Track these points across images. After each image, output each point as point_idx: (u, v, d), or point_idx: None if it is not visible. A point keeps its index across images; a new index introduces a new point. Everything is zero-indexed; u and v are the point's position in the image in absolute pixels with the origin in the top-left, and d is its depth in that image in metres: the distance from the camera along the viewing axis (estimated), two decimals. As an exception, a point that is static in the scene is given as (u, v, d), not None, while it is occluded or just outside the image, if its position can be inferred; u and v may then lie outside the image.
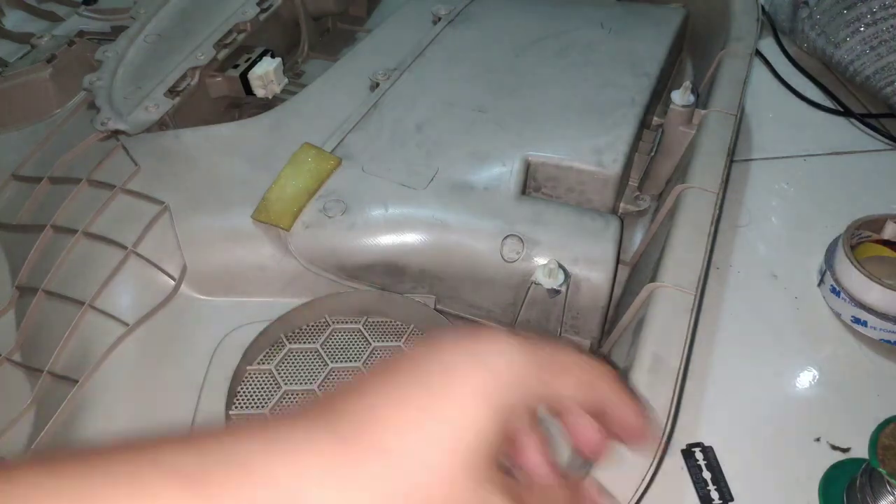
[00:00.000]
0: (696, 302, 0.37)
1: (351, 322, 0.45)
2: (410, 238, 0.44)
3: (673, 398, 0.33)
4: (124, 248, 0.43)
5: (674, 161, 0.52)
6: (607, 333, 0.44)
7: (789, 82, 0.66)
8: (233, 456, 0.19)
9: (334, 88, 0.54)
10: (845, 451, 0.41)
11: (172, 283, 0.43)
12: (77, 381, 0.38)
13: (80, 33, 0.62)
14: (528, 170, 0.47)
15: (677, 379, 0.34)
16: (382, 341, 0.44)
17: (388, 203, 0.45)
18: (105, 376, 0.39)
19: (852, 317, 0.46)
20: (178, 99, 0.54)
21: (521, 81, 0.53)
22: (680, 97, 0.49)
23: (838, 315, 0.47)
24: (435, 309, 0.44)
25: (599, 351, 0.44)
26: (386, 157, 0.48)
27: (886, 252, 0.50)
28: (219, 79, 0.59)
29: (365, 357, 0.42)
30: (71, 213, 0.45)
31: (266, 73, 0.58)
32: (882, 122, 0.61)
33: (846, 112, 0.62)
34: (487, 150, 0.48)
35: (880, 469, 0.33)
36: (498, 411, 0.21)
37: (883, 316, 0.45)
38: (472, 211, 0.44)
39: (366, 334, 0.44)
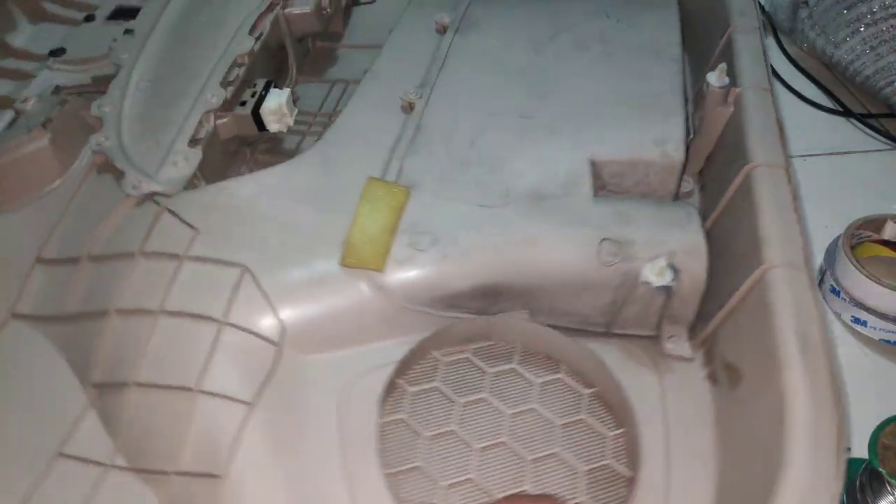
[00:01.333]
0: (813, 277, 0.39)
1: (457, 353, 0.44)
2: (504, 258, 0.43)
3: (833, 374, 0.34)
4: (214, 320, 0.40)
5: (711, 140, 0.53)
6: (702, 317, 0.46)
7: (789, 82, 0.67)
8: None
9: (367, 115, 0.52)
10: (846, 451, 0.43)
11: (274, 347, 0.40)
12: (217, 476, 0.35)
13: (57, 88, 0.57)
14: (594, 169, 0.47)
15: (829, 355, 0.35)
16: (496, 366, 0.43)
17: (474, 226, 0.44)
18: (243, 461, 0.36)
19: (852, 317, 0.48)
20: (200, 147, 0.50)
21: (552, 82, 0.53)
22: (717, 79, 0.51)
23: (838, 315, 0.49)
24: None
25: (699, 336, 0.45)
26: (451, 178, 0.46)
27: (886, 252, 0.51)
28: (226, 119, 0.55)
29: (488, 386, 0.42)
30: (136, 293, 0.41)
31: (279, 107, 0.55)
32: (882, 121, 0.63)
33: (846, 112, 0.64)
34: (550, 157, 0.47)
35: (880, 469, 0.35)
36: None
37: (883, 316, 0.46)
38: (558, 220, 0.44)
39: (477, 362, 0.43)
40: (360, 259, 0.42)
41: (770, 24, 0.75)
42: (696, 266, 0.43)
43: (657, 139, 0.48)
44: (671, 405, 0.42)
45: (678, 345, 0.45)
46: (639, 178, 0.48)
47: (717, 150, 0.53)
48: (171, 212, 0.45)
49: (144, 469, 0.37)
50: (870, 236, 0.51)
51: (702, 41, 0.63)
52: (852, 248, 0.48)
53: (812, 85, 0.69)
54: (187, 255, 0.42)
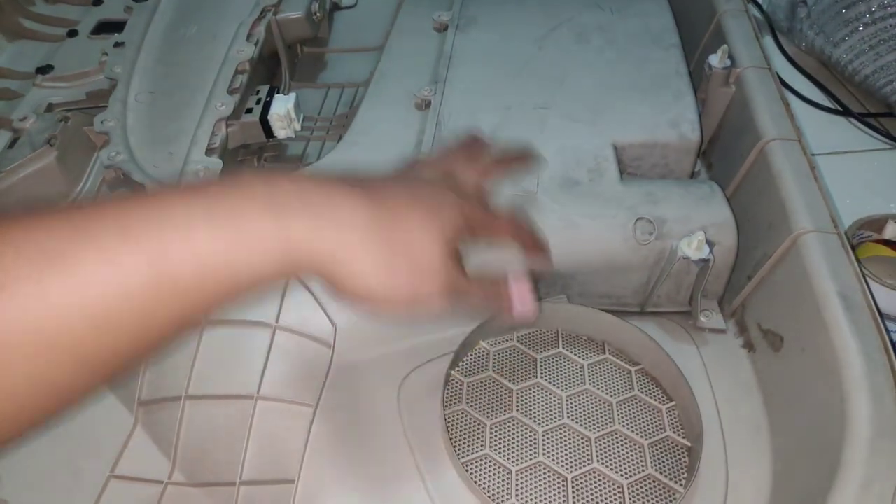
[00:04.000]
0: (845, 240, 0.41)
1: (504, 341, 0.44)
2: (544, 244, 0.44)
3: (879, 328, 0.36)
4: (267, 325, 0.39)
5: (714, 121, 0.55)
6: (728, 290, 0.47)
7: (788, 82, 0.66)
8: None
9: (383, 115, 0.52)
10: None
11: (328, 349, 0.40)
12: (290, 481, 0.34)
13: (50, 106, 0.54)
14: (616, 154, 0.49)
15: (872, 310, 0.37)
16: (543, 352, 0.43)
17: (511, 215, 0.44)
18: (313, 465, 0.35)
19: None
20: (217, 156, 0.49)
21: (561, 73, 0.54)
22: (719, 61, 0.53)
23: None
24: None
25: (729, 307, 0.47)
26: (480, 170, 0.47)
27: (887, 252, 0.51)
28: (234, 127, 0.54)
29: (539, 371, 0.42)
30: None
31: (287, 112, 0.55)
32: (881, 121, 0.62)
33: (845, 111, 0.63)
34: (574, 144, 0.48)
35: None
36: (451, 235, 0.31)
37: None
38: (592, 204, 0.45)
39: (524, 349, 0.43)
40: (404, 254, 0.42)
41: (768, 24, 0.75)
42: (727, 239, 0.44)
43: (672, 121, 0.49)
44: (714, 375, 0.43)
45: (711, 317, 0.46)
46: (656, 159, 0.50)
47: (721, 130, 0.55)
48: (202, 221, 0.43)
49: (208, 483, 0.36)
50: (870, 236, 0.51)
51: (685, 29, 0.65)
52: (853, 247, 0.49)
53: (811, 84, 0.68)
54: (226, 263, 0.41)
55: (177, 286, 0.23)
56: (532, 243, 0.37)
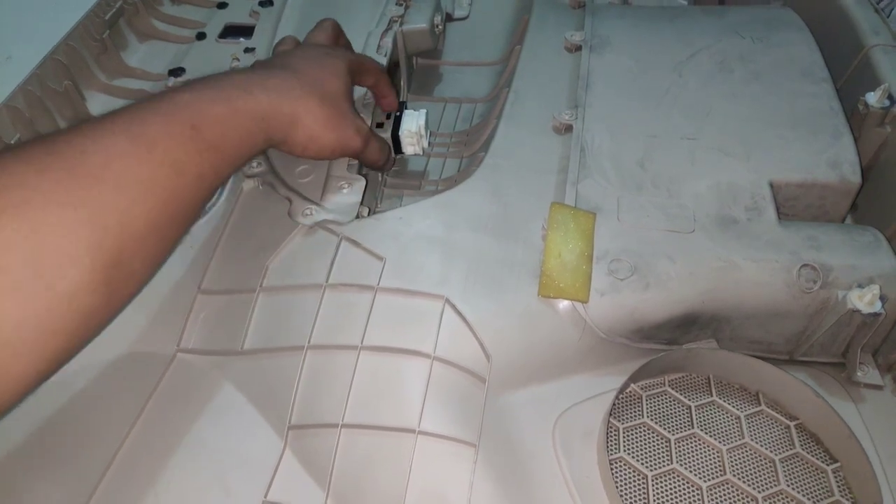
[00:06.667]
0: None
1: (655, 386, 0.42)
2: (704, 285, 0.42)
3: None
4: (425, 355, 0.38)
5: (863, 160, 0.53)
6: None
7: None
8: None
9: (521, 138, 0.51)
10: None
11: (483, 384, 0.38)
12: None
13: (182, 111, 0.54)
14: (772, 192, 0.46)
15: None
16: (696, 399, 0.41)
17: (669, 253, 0.42)
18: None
19: None
20: (354, 171, 0.48)
21: (705, 103, 0.52)
22: (878, 100, 0.50)
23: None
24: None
25: (884, 362, 0.44)
26: (631, 203, 0.45)
27: None
28: (365, 141, 0.53)
29: (694, 420, 0.40)
30: (329, 328, 0.39)
31: (418, 129, 0.54)
32: None
33: None
34: (728, 180, 0.46)
35: None
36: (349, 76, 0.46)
37: None
38: (752, 245, 0.43)
39: (676, 395, 0.42)
40: (562, 290, 0.40)
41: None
42: (894, 292, 0.42)
43: (831, 162, 0.47)
44: (876, 436, 0.41)
45: (868, 372, 0.44)
46: (812, 200, 0.47)
47: (871, 172, 0.52)
48: (353, 241, 0.43)
49: (367, 517, 0.35)
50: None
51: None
52: None
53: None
54: (380, 287, 0.40)
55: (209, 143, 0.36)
56: (389, 91, 0.51)
